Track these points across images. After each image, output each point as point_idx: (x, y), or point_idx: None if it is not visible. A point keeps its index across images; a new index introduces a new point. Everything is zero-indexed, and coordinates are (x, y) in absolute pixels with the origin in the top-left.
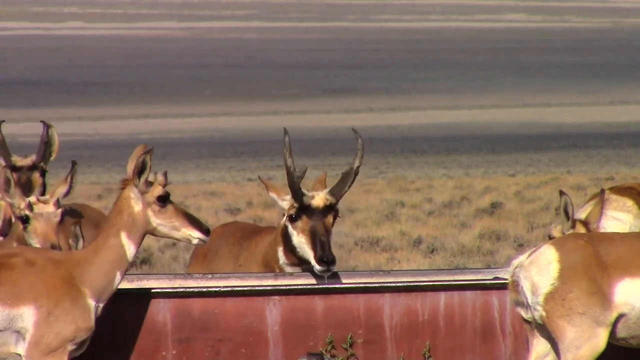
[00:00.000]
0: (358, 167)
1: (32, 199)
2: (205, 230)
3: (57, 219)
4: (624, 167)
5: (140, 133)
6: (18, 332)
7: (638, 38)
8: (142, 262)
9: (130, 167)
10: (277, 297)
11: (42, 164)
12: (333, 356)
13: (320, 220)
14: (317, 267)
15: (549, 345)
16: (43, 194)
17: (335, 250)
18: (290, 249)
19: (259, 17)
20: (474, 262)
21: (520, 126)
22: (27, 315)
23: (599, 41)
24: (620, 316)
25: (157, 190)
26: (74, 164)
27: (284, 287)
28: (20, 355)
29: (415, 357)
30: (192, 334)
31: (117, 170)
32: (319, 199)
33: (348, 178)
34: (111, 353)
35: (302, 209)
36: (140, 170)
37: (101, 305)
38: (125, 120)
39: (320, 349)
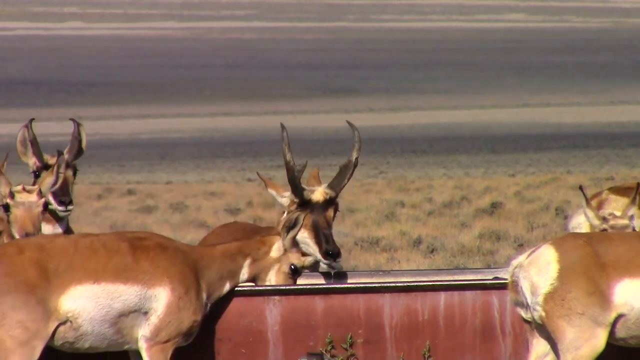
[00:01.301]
0: (356, 159)
1: (17, 187)
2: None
3: (39, 209)
4: (624, 167)
5: (140, 133)
6: (146, 313)
7: (638, 38)
8: None
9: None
10: (277, 297)
11: (74, 162)
12: (333, 356)
13: (321, 215)
14: (323, 261)
15: (548, 346)
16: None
17: None
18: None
19: (259, 17)
20: (474, 262)
21: (520, 126)
22: (161, 296)
23: (599, 41)
24: (620, 316)
25: (297, 262)
26: (59, 153)
27: (284, 287)
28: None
29: (415, 357)
30: None
31: (117, 170)
32: (318, 193)
33: (347, 171)
34: (110, 353)
35: (303, 204)
36: (291, 226)
37: (208, 304)
38: (125, 120)
39: (320, 349)
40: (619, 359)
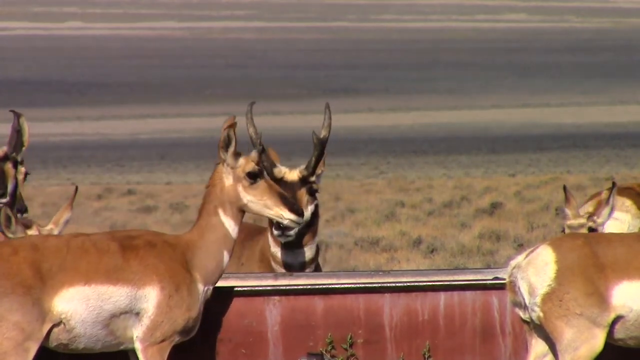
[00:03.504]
0: (324, 136)
1: (33, 230)
2: (297, 211)
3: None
4: (624, 167)
5: (140, 133)
6: (138, 314)
7: (638, 38)
8: None
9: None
10: (277, 297)
11: (14, 154)
12: (333, 356)
13: (290, 192)
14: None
15: (547, 346)
16: (15, 185)
17: (335, 250)
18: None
19: (259, 17)
20: (474, 262)
21: (520, 126)
22: (151, 296)
23: (599, 41)
24: (618, 318)
25: (249, 166)
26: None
27: (284, 287)
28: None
29: (415, 357)
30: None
31: (117, 170)
32: (287, 171)
33: (315, 149)
34: (110, 353)
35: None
36: (226, 144)
37: (211, 287)
38: (125, 120)
39: (320, 349)
40: (618, 359)
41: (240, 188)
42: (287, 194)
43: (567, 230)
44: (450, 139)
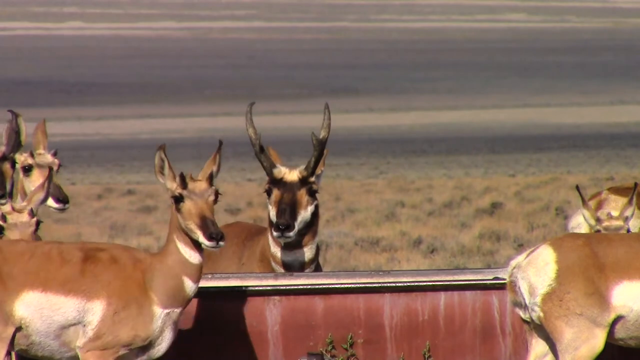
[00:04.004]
0: (324, 137)
1: (7, 208)
2: (216, 237)
3: (32, 228)
4: (624, 167)
5: (140, 133)
6: (85, 325)
7: (638, 38)
8: None
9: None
10: (277, 297)
11: (12, 154)
12: (333, 356)
13: (290, 192)
14: (274, 234)
15: (547, 346)
16: (12, 186)
17: (335, 250)
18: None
19: (259, 17)
20: (474, 262)
21: (520, 126)
22: (97, 310)
23: (599, 41)
24: (619, 318)
25: (170, 191)
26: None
27: (284, 287)
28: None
29: (415, 357)
30: (192, 334)
31: (117, 170)
32: (287, 171)
33: (314, 149)
34: None
35: (274, 182)
36: (160, 168)
37: (176, 310)
38: (125, 120)
39: (320, 349)
40: (619, 359)
41: (175, 212)
42: (211, 217)
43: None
44: (450, 139)
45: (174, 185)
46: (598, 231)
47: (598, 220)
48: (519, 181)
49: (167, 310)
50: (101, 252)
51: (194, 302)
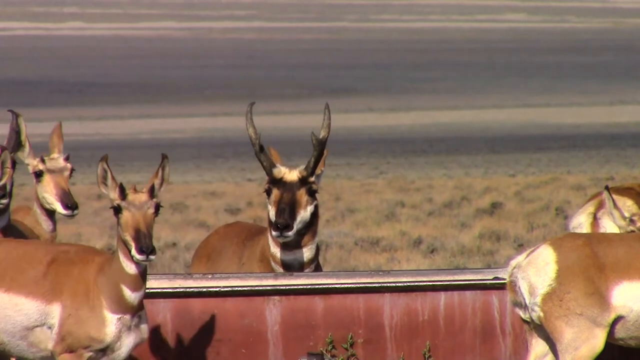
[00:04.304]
0: (323, 137)
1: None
2: (146, 251)
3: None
4: (624, 167)
5: (140, 133)
6: (50, 328)
7: (638, 38)
8: None
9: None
10: (277, 297)
11: (12, 154)
12: (333, 356)
13: (290, 192)
14: (273, 233)
15: (547, 346)
16: (12, 185)
17: (335, 250)
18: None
19: (259, 17)
20: (474, 262)
21: (520, 126)
22: (55, 313)
23: (599, 41)
24: (619, 318)
25: (111, 201)
26: (2, 149)
27: (284, 287)
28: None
29: (415, 357)
30: (192, 334)
31: (117, 170)
32: (286, 171)
33: (314, 149)
34: None
35: (273, 182)
36: (103, 179)
37: (126, 316)
38: (125, 120)
39: (321, 349)
40: (619, 359)
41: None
42: (146, 230)
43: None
44: (450, 139)
45: (114, 196)
46: (632, 232)
47: (632, 221)
48: (519, 181)
49: (117, 316)
50: (64, 254)
51: (194, 302)
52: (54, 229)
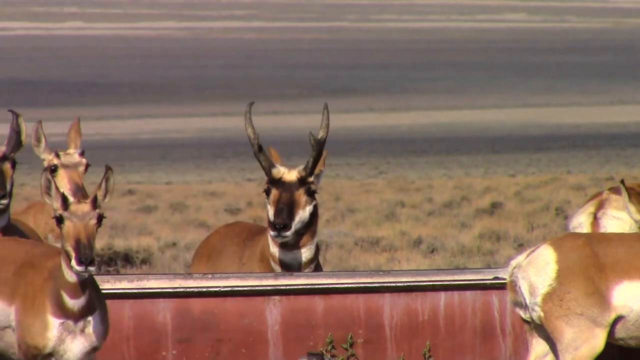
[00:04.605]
0: (322, 137)
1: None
2: (79, 260)
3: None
4: (624, 167)
5: (140, 133)
6: (14, 330)
7: (638, 38)
8: (142, 262)
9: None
10: (277, 297)
11: (12, 154)
12: (333, 356)
13: (288, 192)
14: (271, 233)
15: (547, 346)
16: (12, 186)
17: (335, 250)
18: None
19: (259, 17)
20: (474, 262)
21: (520, 126)
22: (13, 316)
23: (599, 41)
24: (619, 318)
25: (53, 212)
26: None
27: (284, 287)
28: None
29: (415, 357)
30: (192, 334)
31: (117, 170)
32: (285, 171)
33: (312, 149)
34: (111, 353)
35: (272, 182)
36: (47, 189)
37: (69, 321)
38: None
39: (320, 349)
40: (619, 359)
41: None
42: (86, 241)
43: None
44: (450, 139)
45: (57, 206)
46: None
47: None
48: (519, 181)
49: (60, 320)
50: (30, 256)
51: (194, 302)
52: None
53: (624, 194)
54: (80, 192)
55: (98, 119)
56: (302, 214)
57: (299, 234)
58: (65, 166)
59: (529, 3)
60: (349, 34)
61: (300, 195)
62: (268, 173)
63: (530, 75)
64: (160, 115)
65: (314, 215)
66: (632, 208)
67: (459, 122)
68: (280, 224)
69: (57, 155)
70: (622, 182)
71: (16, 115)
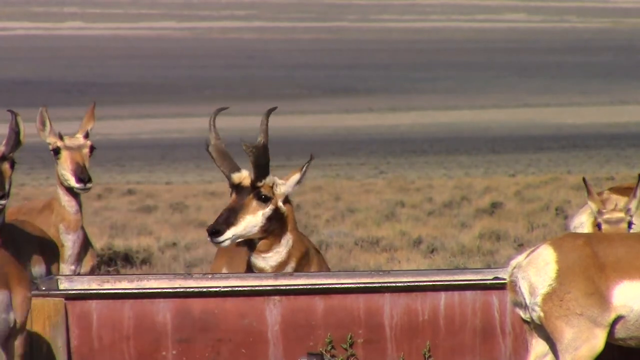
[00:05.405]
0: (260, 142)
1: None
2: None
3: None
4: (624, 167)
5: (140, 133)
6: None
7: (638, 38)
8: (142, 262)
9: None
10: (277, 297)
11: (11, 154)
12: (333, 356)
13: (239, 197)
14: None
15: (547, 346)
16: (11, 185)
17: (335, 250)
18: None
19: (259, 17)
20: (474, 262)
21: (520, 126)
22: None
23: (599, 41)
24: (619, 318)
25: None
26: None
27: (284, 287)
28: None
29: (415, 357)
30: (192, 334)
31: (117, 170)
32: (245, 176)
33: (248, 155)
34: (111, 353)
35: (231, 187)
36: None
37: (18, 316)
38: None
39: (320, 349)
40: (619, 359)
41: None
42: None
43: (604, 227)
44: (450, 139)
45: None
46: (599, 224)
47: (599, 212)
48: (519, 181)
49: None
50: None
51: (194, 302)
52: (79, 210)
53: (589, 192)
54: (80, 170)
55: (98, 119)
56: (251, 218)
57: (259, 238)
58: (68, 148)
59: (529, 3)
60: (349, 34)
61: (250, 200)
62: (229, 178)
63: (530, 75)
64: (160, 115)
65: (271, 219)
66: (593, 205)
67: (459, 122)
68: (210, 230)
69: (61, 138)
70: (584, 179)
71: (15, 115)
